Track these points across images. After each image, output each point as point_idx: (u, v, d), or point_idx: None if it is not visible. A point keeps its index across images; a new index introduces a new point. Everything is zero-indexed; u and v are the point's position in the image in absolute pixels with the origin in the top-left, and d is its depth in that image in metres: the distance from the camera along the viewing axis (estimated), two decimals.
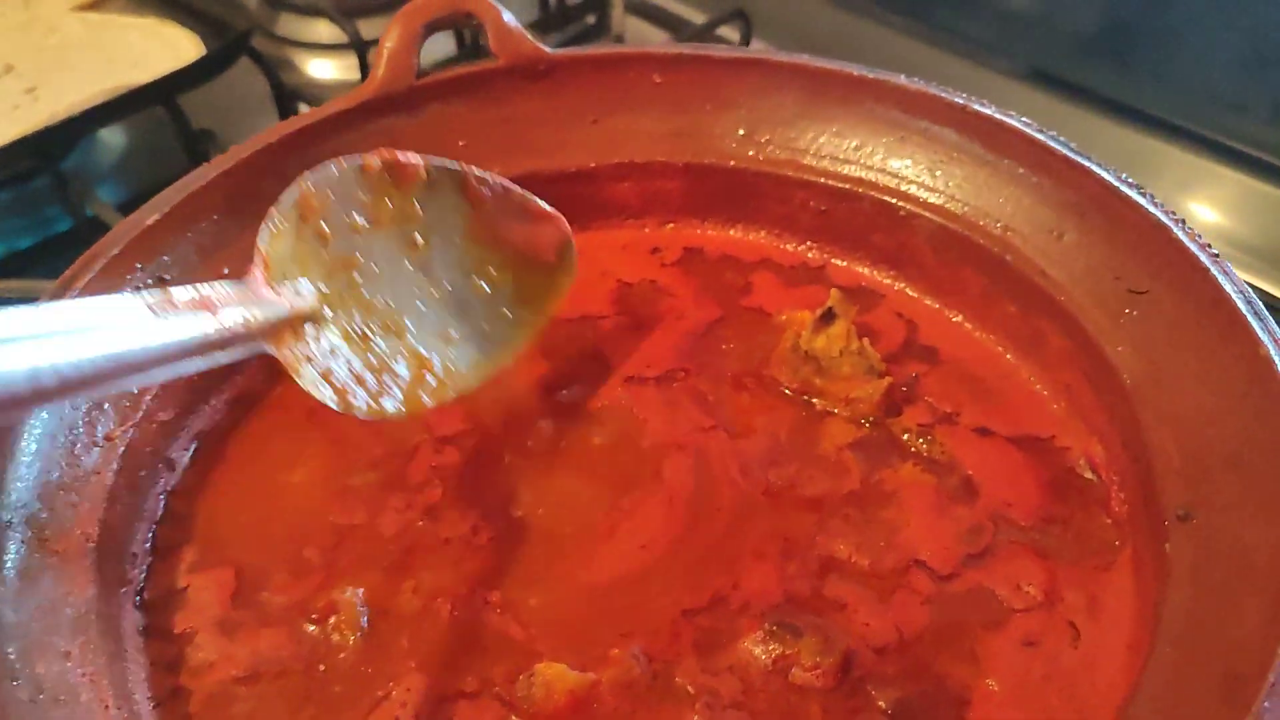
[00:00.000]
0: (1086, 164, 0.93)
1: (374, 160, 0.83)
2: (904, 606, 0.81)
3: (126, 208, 1.36)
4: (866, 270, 1.08)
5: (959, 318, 1.03)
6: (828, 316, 0.97)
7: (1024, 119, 0.98)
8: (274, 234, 0.79)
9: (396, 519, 0.88)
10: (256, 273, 0.76)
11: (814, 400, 0.96)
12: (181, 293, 0.67)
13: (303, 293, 0.78)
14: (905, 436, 0.93)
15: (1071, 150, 0.95)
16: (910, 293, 1.06)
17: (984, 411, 0.95)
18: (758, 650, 0.78)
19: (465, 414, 0.95)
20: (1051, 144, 0.95)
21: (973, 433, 0.93)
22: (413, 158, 0.85)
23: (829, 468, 0.91)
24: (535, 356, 0.99)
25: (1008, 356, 0.99)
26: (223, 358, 0.69)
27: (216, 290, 0.70)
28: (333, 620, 0.80)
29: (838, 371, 0.95)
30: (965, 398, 0.96)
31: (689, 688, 0.76)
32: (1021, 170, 0.98)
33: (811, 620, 0.79)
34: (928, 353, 1.00)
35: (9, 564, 0.73)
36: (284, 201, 0.80)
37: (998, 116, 0.99)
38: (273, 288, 0.76)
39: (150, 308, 0.65)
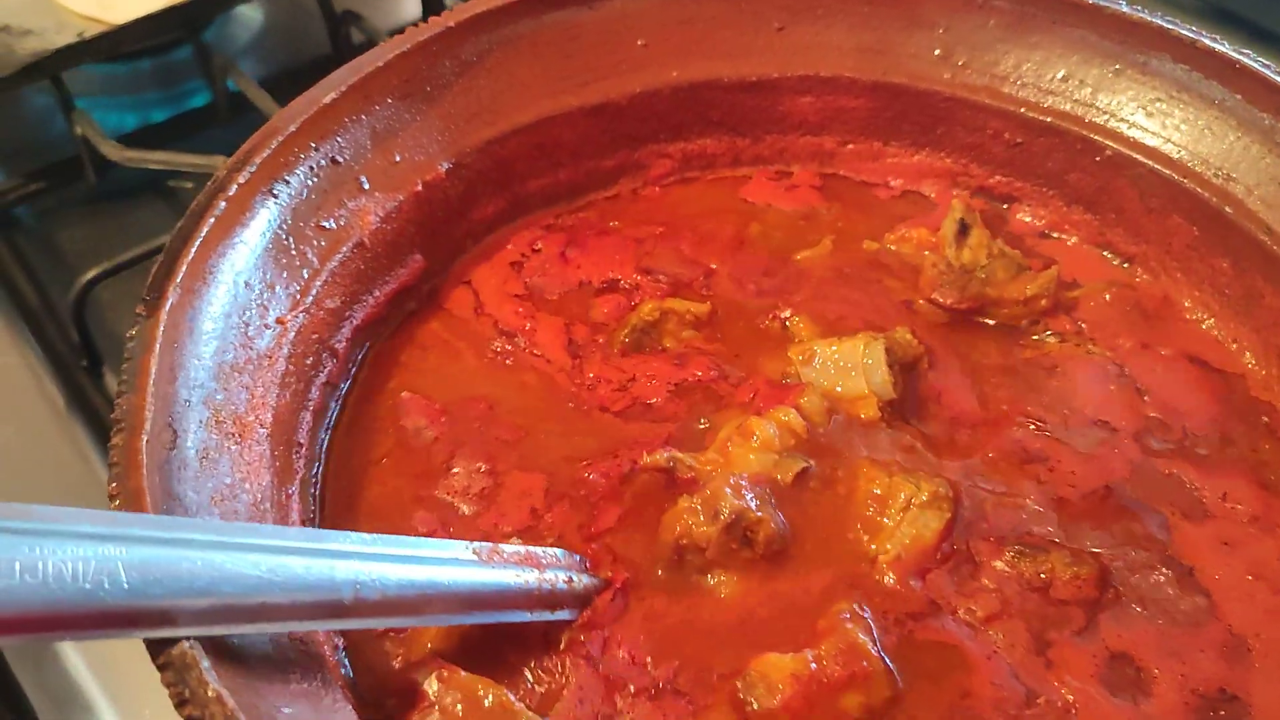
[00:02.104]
0: None
1: None
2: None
3: (267, 84, 1.33)
4: (1057, 211, 1.02)
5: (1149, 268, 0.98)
6: (963, 229, 0.92)
7: (1262, 60, 0.90)
8: None
9: None
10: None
11: (986, 315, 0.93)
12: (509, 548, 0.72)
13: None
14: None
15: None
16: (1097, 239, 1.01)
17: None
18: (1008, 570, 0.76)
19: None
20: None
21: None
22: None
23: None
24: None
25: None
26: (546, 615, 0.72)
27: (544, 553, 0.74)
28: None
29: (996, 277, 0.92)
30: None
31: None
32: (1252, 114, 0.90)
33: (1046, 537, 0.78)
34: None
35: (190, 445, 0.71)
36: None
37: (1231, 54, 0.91)
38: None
39: (476, 554, 0.69)
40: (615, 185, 1.06)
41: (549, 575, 0.72)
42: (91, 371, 1.16)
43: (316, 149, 0.88)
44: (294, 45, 1.49)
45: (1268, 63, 0.90)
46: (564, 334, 0.93)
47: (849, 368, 0.84)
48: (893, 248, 1.00)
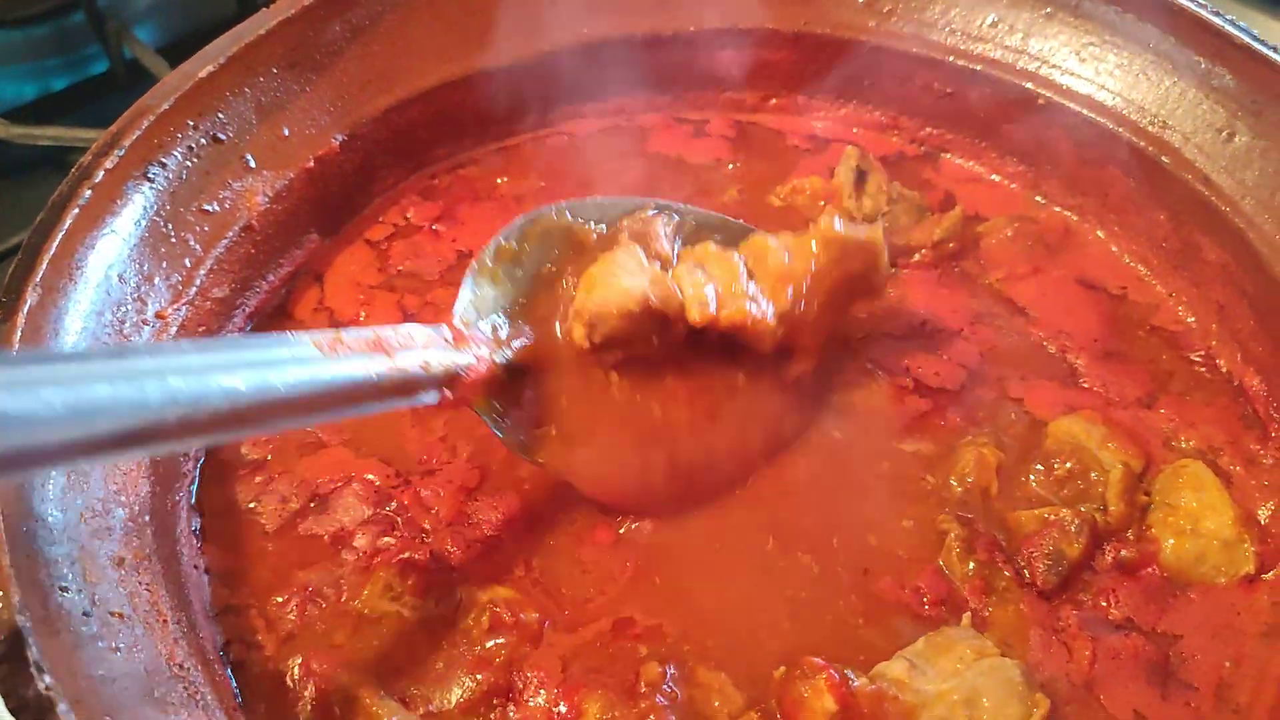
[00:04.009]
0: (1269, 53, 0.81)
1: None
2: None
3: (167, 52, 1.26)
4: (991, 163, 0.97)
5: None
6: (860, 176, 0.88)
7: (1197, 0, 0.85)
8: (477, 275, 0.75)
9: None
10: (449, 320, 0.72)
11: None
12: (353, 333, 0.64)
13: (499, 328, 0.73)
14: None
15: (1253, 38, 0.82)
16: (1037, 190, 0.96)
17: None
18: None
19: None
20: (1229, 29, 0.83)
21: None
22: None
23: None
24: None
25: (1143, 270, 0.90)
26: (402, 403, 0.67)
27: (396, 333, 0.67)
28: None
29: (899, 223, 0.89)
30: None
31: None
32: (1188, 57, 0.85)
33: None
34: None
35: None
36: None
37: None
38: (465, 331, 0.72)
39: (319, 346, 0.62)
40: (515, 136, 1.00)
41: (401, 360, 0.65)
42: None
43: (195, 127, 0.81)
44: (197, 9, 1.41)
45: (1202, 2, 0.85)
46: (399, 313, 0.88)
47: None
48: (778, 202, 0.95)
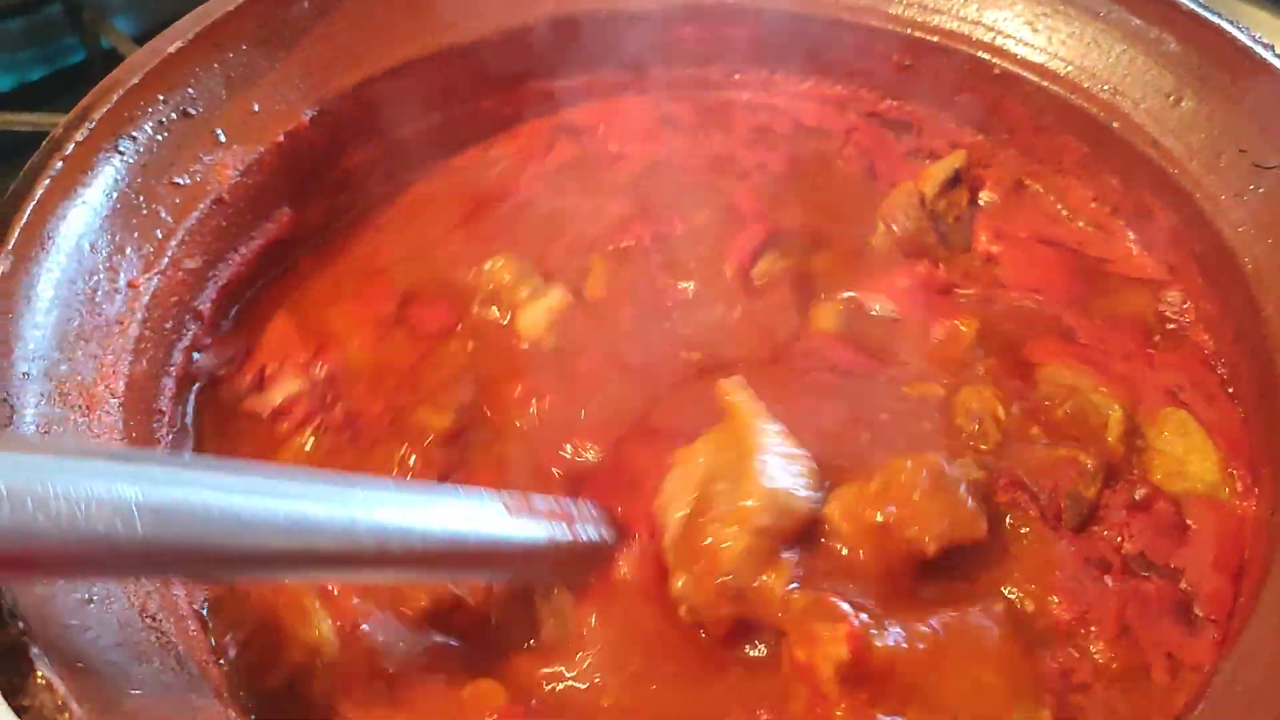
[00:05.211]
0: (1214, 19, 0.84)
1: None
2: None
3: (145, 40, 1.27)
4: (949, 133, 0.99)
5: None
6: (956, 179, 0.90)
7: None
8: None
9: None
10: None
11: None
12: (540, 501, 0.68)
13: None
14: None
15: (1197, 4, 0.85)
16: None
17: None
18: None
19: None
20: None
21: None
22: None
23: None
24: None
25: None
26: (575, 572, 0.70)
27: (579, 507, 0.70)
28: None
29: (950, 240, 0.91)
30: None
31: None
32: (1136, 25, 0.88)
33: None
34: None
35: (29, 419, 0.67)
36: None
37: None
38: None
39: (506, 506, 0.66)
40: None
41: (579, 530, 0.69)
42: None
43: (165, 101, 0.83)
44: None
45: None
46: None
47: None
48: None
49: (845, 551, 0.69)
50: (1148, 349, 0.84)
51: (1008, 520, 0.73)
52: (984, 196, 0.95)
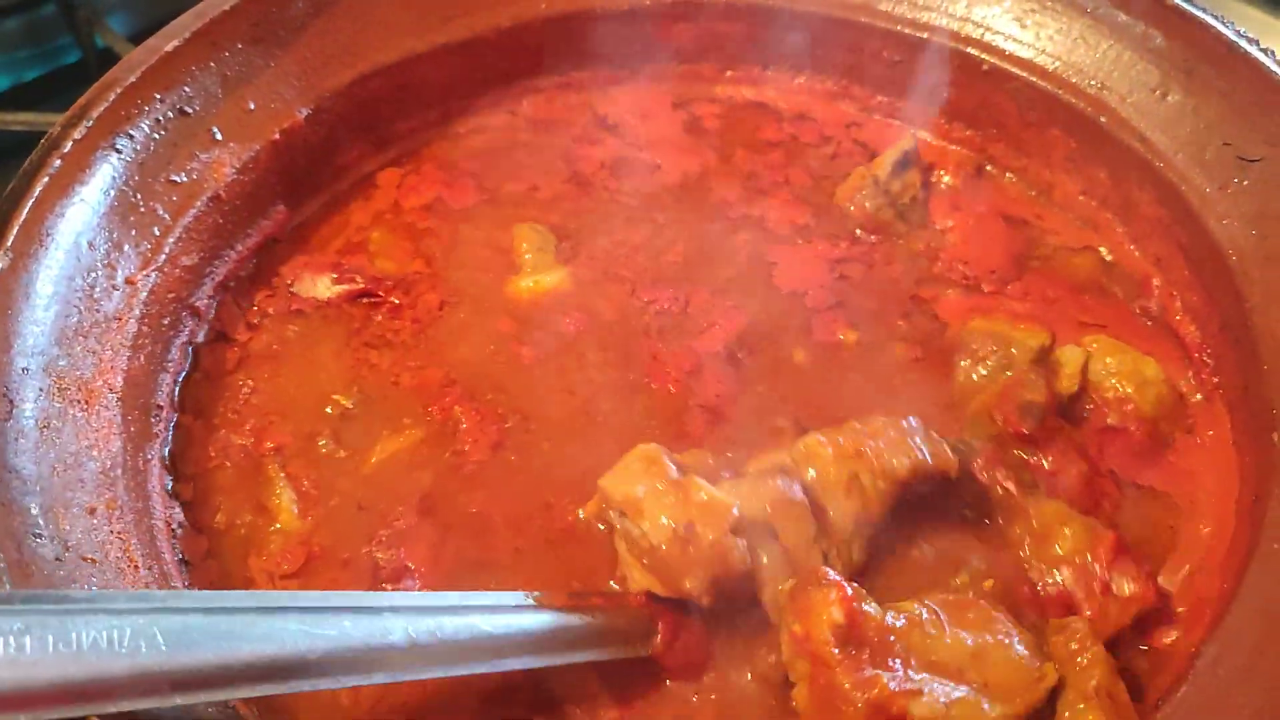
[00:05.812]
0: (1200, 14, 0.85)
1: None
2: None
3: (141, 40, 1.27)
4: (938, 128, 1.00)
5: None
6: (905, 162, 0.91)
7: None
8: None
9: None
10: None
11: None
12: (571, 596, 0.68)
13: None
14: None
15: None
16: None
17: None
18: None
19: None
20: None
21: None
22: None
23: None
24: None
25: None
26: (594, 655, 0.68)
27: (605, 597, 0.70)
28: None
29: (907, 217, 0.93)
30: None
31: None
32: (1123, 20, 0.89)
33: None
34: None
35: (28, 414, 0.68)
36: None
37: None
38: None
39: (535, 600, 0.66)
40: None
41: (607, 618, 0.68)
42: None
43: (161, 100, 0.84)
44: None
45: None
46: None
47: None
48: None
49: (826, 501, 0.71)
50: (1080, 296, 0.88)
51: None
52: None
